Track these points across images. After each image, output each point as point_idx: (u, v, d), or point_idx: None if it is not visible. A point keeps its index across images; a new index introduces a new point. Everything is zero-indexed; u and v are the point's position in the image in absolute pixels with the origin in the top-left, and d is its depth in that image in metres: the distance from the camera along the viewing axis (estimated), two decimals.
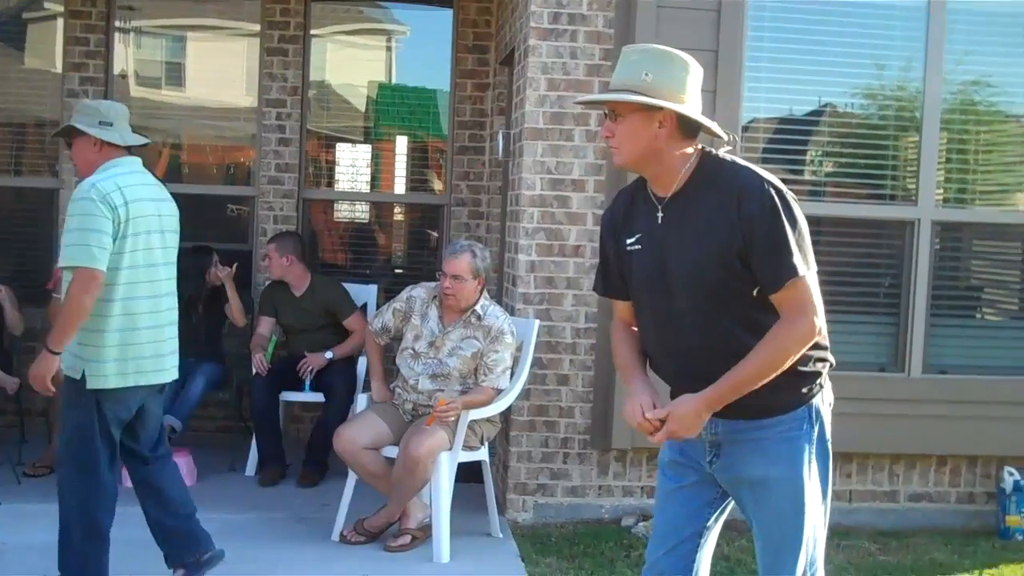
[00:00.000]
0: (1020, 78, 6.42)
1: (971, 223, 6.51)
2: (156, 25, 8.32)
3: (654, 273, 3.12)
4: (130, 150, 4.65)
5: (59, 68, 7.92)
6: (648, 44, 3.11)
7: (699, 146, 3.11)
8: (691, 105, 3.06)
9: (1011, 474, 6.22)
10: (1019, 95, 6.48)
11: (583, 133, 5.99)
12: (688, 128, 3.06)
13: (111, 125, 4.57)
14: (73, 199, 4.40)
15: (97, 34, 7.79)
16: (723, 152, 3.12)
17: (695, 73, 3.08)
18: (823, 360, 3.13)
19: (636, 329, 3.33)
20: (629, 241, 3.18)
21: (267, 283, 7.30)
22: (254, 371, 6.76)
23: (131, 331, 4.48)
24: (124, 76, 8.07)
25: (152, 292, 4.57)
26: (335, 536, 5.58)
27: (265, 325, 7.05)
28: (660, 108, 3.01)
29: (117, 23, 7.94)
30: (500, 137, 7.13)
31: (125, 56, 8.09)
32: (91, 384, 4.40)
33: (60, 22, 7.95)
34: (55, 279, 6.40)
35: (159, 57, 8.49)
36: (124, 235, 4.39)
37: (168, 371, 4.70)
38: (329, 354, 6.87)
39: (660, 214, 3.11)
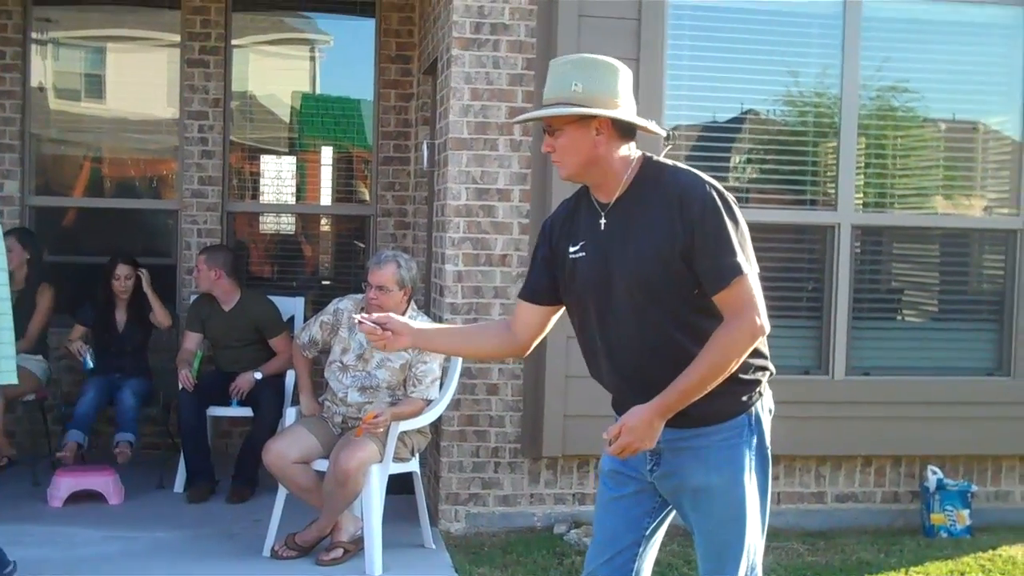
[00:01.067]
0: (934, 83, 6.54)
1: (890, 226, 6.62)
2: (74, 36, 8.21)
3: (598, 279, 3.12)
4: None
5: None
6: (574, 55, 3.13)
7: (640, 152, 3.13)
8: (624, 108, 3.07)
9: (934, 473, 6.34)
10: (934, 99, 6.59)
11: (507, 142, 6.01)
12: (625, 131, 3.08)
13: None
14: None
15: (13, 47, 7.65)
16: (663, 156, 3.14)
17: (624, 76, 3.10)
18: (763, 368, 3.15)
19: (504, 331, 3.42)
20: (572, 249, 3.19)
21: (193, 298, 7.22)
22: (180, 387, 6.69)
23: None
24: (42, 89, 7.94)
25: (5, 295, 4.66)
26: (266, 552, 5.53)
27: (191, 340, 6.97)
28: (595, 116, 3.03)
29: (34, 35, 7.81)
30: (425, 147, 7.12)
31: (43, 69, 7.97)
32: None
33: None
34: None
35: (78, 69, 8.37)
36: None
37: (14, 373, 4.76)
38: (258, 375, 6.80)
39: (603, 220, 3.12)
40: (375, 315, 3.30)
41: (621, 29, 5.99)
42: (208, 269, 6.87)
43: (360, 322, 3.26)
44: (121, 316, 7.09)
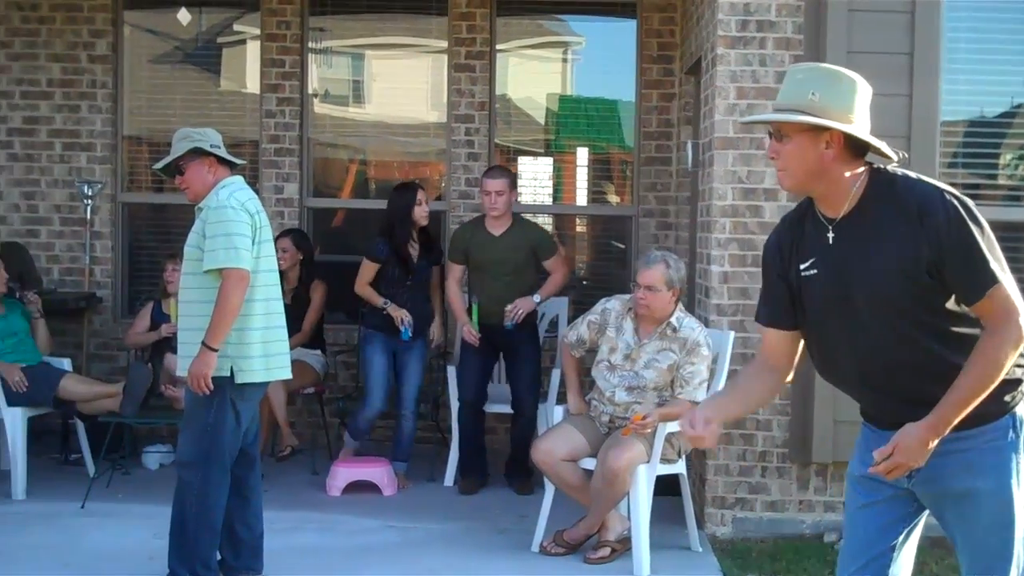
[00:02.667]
0: None
1: None
2: (346, 44, 8.57)
3: (837, 296, 3.06)
4: (232, 170, 4.97)
5: (254, 89, 8.20)
6: (815, 63, 3.08)
7: (868, 163, 3.06)
8: (859, 125, 3.00)
9: None
10: None
11: None
12: (856, 148, 3.01)
13: (219, 148, 4.91)
14: (210, 209, 4.75)
15: (292, 55, 8.02)
16: (892, 167, 3.06)
17: (863, 92, 3.03)
18: (1022, 366, 3.05)
19: (765, 372, 3.35)
20: (803, 267, 3.13)
21: (459, 224, 7.32)
22: (460, 341, 6.86)
23: (270, 329, 4.85)
24: (316, 95, 8.31)
25: (279, 295, 4.97)
26: (535, 547, 5.63)
27: (455, 272, 6.90)
28: (827, 128, 2.96)
29: (310, 44, 8.17)
30: (688, 147, 7.10)
31: (316, 76, 8.33)
32: (240, 379, 4.72)
33: (253, 45, 8.23)
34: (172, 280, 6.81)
35: (348, 75, 8.73)
36: (259, 241, 4.78)
37: (289, 368, 5.02)
38: (537, 297, 6.78)
39: (831, 235, 3.06)
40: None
41: (893, 23, 5.81)
42: (499, 193, 6.76)
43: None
44: (414, 249, 6.91)
